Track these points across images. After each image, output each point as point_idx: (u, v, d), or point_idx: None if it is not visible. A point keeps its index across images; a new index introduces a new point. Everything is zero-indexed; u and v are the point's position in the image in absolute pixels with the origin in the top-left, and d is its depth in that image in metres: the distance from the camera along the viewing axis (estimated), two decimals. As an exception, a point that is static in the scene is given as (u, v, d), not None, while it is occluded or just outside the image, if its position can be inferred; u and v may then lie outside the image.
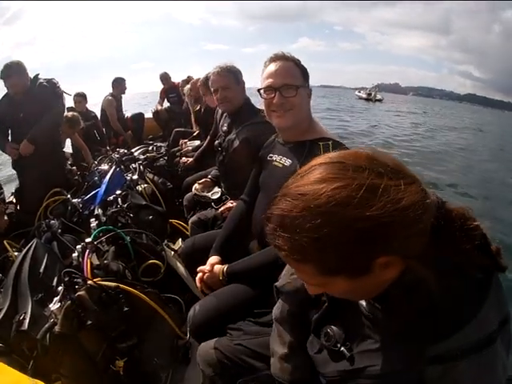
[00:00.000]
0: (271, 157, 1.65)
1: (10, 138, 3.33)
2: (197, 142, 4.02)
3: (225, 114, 2.54)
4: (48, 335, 1.28)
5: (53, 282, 1.66)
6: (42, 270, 1.67)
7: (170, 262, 2.08)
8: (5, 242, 2.23)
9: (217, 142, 2.46)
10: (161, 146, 4.14)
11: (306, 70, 1.55)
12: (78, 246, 1.78)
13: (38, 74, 3.29)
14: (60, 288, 1.46)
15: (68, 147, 4.48)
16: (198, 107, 4.17)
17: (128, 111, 6.27)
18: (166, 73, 6.45)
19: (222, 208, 2.23)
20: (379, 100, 60.42)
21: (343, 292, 0.71)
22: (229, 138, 2.30)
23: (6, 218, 2.83)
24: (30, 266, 1.64)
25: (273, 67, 1.50)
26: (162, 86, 6.51)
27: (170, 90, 6.35)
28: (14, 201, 3.40)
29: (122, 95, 5.85)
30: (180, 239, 2.35)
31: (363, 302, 0.77)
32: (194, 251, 1.94)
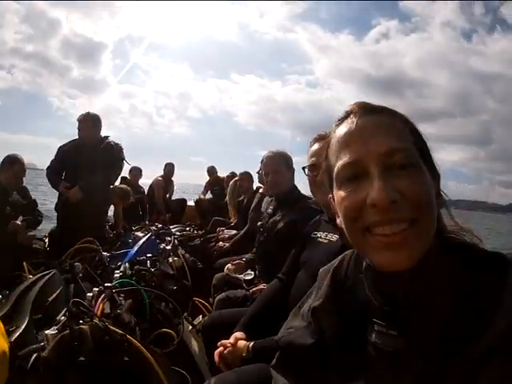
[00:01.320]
0: (315, 234, 1.58)
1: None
2: (233, 231, 4.00)
3: (270, 198, 2.53)
4: (32, 358, 1.09)
5: (57, 316, 1.52)
6: (50, 299, 1.56)
7: (186, 337, 1.89)
8: (25, 263, 2.15)
9: (259, 223, 2.42)
10: (198, 230, 4.16)
11: None
12: (95, 289, 1.66)
13: (108, 136, 3.59)
14: (63, 318, 1.32)
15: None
16: (242, 197, 4.28)
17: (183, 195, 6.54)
18: (213, 166, 6.81)
19: (253, 289, 2.08)
20: None
21: None
22: (274, 220, 2.25)
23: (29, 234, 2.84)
24: (40, 290, 1.55)
25: (316, 146, 1.54)
26: (207, 178, 6.77)
27: (214, 182, 6.58)
28: (47, 240, 3.40)
29: (173, 179, 6.15)
30: (201, 316, 2.18)
31: (372, 336, 0.65)
32: (216, 325, 1.77)
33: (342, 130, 0.65)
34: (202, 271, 3.14)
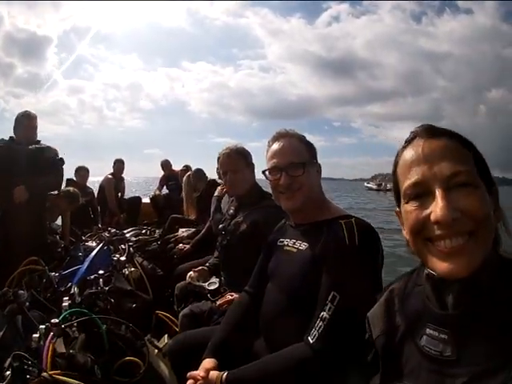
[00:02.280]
0: (282, 242, 1.45)
1: None
2: (192, 229, 3.81)
3: (231, 198, 2.36)
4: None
5: (5, 363, 1.31)
6: None
7: (152, 362, 1.72)
8: None
9: (221, 225, 2.25)
10: (155, 231, 3.91)
11: (311, 145, 1.45)
12: (42, 326, 1.45)
13: (40, 140, 3.27)
14: (8, 373, 1.12)
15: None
16: (199, 193, 4.09)
17: (137, 191, 6.22)
18: (167, 160, 6.48)
19: (219, 301, 1.92)
20: (390, 190, 56.70)
21: None
22: (235, 221, 2.12)
23: None
24: None
25: (276, 146, 1.40)
26: (162, 173, 6.49)
27: (170, 177, 6.31)
28: None
29: (124, 177, 5.83)
30: (166, 335, 1.99)
31: (423, 339, 0.73)
32: (183, 350, 1.60)
33: (410, 152, 0.75)
34: (163, 278, 2.95)
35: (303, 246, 1.33)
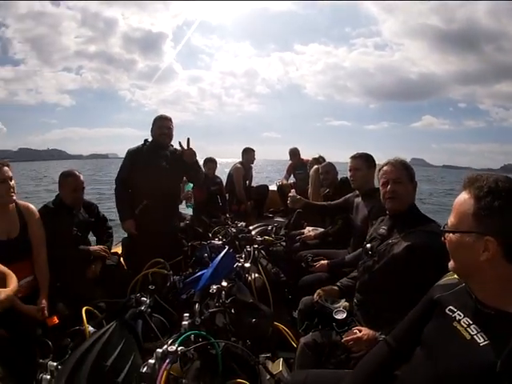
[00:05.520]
0: (453, 312, 1.08)
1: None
2: (320, 229, 3.61)
3: (381, 217, 2.09)
4: None
5: (119, 377, 1.37)
6: (109, 363, 1.39)
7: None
8: (83, 309, 1.86)
9: (369, 245, 2.01)
10: (280, 228, 3.81)
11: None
12: (159, 350, 1.41)
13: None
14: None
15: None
16: (327, 190, 3.84)
17: (259, 174, 6.25)
18: (295, 148, 6.25)
19: (345, 337, 1.70)
20: None
21: None
22: (388, 242, 1.87)
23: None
24: (99, 354, 1.39)
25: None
26: (290, 161, 6.37)
27: (298, 165, 6.14)
28: (120, 252, 3.22)
29: (252, 165, 5.85)
30: (282, 360, 1.84)
31: None
32: None
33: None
34: (285, 284, 2.83)
35: (481, 338, 0.97)
